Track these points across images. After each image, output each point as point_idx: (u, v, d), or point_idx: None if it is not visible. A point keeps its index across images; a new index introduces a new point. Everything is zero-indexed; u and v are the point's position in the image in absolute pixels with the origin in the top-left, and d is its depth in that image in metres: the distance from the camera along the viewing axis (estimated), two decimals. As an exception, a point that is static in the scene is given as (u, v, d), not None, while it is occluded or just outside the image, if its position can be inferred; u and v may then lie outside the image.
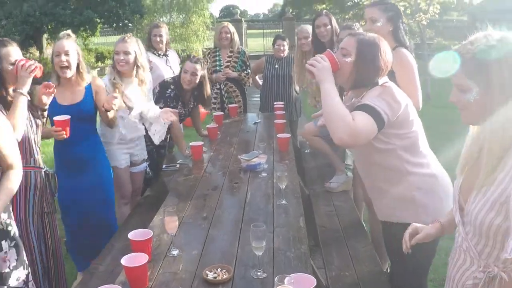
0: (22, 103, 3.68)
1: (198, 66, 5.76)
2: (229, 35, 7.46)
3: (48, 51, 23.31)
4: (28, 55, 21.84)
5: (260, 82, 7.98)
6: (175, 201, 3.93)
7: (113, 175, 5.19)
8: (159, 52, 6.80)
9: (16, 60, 3.80)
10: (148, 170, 5.71)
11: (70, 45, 4.52)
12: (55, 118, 4.23)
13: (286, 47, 7.56)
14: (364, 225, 4.83)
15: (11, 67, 3.78)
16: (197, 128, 6.55)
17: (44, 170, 3.92)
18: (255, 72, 8.01)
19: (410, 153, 3.02)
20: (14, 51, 3.87)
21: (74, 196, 4.57)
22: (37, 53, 22.47)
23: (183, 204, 3.87)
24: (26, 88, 3.74)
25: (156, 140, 5.53)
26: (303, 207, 3.83)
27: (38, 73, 3.83)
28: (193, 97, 6.01)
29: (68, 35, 4.60)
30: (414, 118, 3.04)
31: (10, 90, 3.79)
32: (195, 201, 3.95)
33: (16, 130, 3.47)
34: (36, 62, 3.88)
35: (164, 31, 6.89)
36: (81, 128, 4.52)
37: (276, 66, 7.52)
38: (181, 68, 6.06)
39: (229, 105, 7.27)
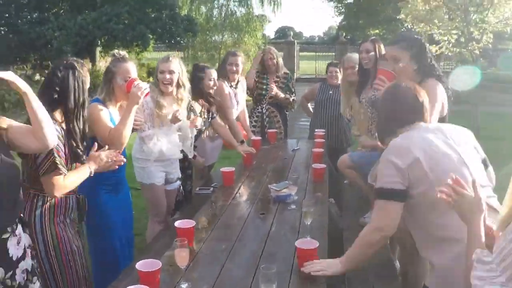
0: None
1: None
2: (275, 61, 7.30)
3: (101, 63, 23.64)
4: (81, 67, 22.16)
5: (311, 108, 7.81)
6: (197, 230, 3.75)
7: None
8: (231, 83, 6.64)
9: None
10: (181, 189, 5.59)
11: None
12: None
13: (339, 74, 7.29)
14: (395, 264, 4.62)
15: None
16: (228, 140, 6.22)
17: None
18: (307, 98, 7.90)
19: None
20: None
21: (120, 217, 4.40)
22: (89, 65, 22.78)
23: (204, 234, 3.71)
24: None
25: (191, 154, 5.55)
26: (332, 241, 3.67)
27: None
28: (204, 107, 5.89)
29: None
30: None
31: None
32: (216, 231, 3.78)
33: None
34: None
35: (240, 60, 6.69)
36: None
37: (330, 92, 7.35)
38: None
39: (268, 130, 7.08)
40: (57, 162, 3.25)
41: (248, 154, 5.87)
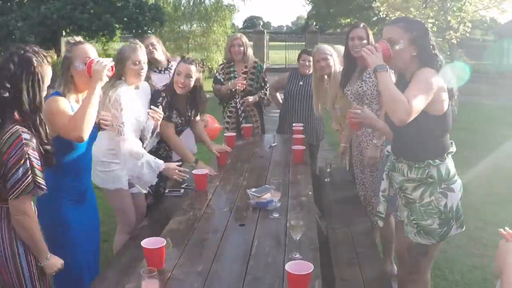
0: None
1: (193, 68, 4.99)
2: (242, 48, 6.68)
3: (66, 53, 22.95)
4: (46, 57, 21.48)
5: (281, 99, 7.30)
6: (167, 248, 3.21)
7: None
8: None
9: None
10: (150, 191, 5.08)
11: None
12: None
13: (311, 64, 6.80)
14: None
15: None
16: (204, 141, 5.67)
17: None
18: (276, 88, 7.30)
19: None
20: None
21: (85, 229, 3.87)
22: (55, 56, 22.05)
23: (175, 252, 3.17)
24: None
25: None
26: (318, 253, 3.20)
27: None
28: (189, 104, 5.26)
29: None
30: None
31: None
32: (190, 248, 3.25)
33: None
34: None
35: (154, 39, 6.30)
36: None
37: (301, 83, 6.82)
38: (174, 70, 5.25)
39: (243, 125, 6.57)
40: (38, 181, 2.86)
41: (222, 153, 5.35)
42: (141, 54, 4.59)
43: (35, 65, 2.92)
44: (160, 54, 6.21)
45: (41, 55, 3.00)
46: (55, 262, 3.15)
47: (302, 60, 6.87)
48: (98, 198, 4.64)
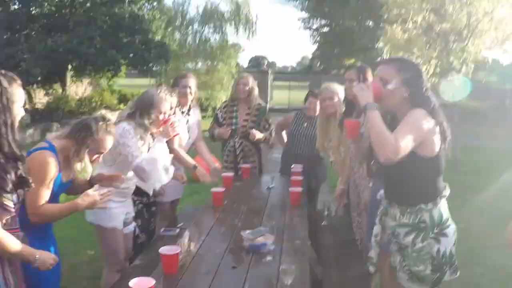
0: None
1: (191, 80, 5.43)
2: (247, 88, 6.70)
3: (71, 89, 23.02)
4: (51, 91, 21.54)
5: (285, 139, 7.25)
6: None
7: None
8: (182, 109, 6.09)
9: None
10: (137, 232, 5.04)
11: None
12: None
13: (318, 106, 6.78)
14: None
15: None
16: (205, 159, 6.12)
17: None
18: (282, 127, 7.25)
19: None
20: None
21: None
22: (60, 90, 22.16)
23: (165, 293, 3.13)
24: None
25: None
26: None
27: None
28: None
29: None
30: None
31: None
32: (180, 289, 3.22)
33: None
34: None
35: (193, 82, 6.15)
36: None
37: (305, 124, 6.78)
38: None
39: (242, 165, 6.51)
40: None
41: (219, 194, 5.31)
42: (167, 106, 4.73)
43: (1, 83, 2.85)
44: (190, 99, 6.14)
45: (8, 76, 2.96)
46: (46, 258, 3.12)
47: (308, 103, 6.83)
48: (92, 234, 4.61)
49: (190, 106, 6.14)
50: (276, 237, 4.05)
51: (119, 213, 4.59)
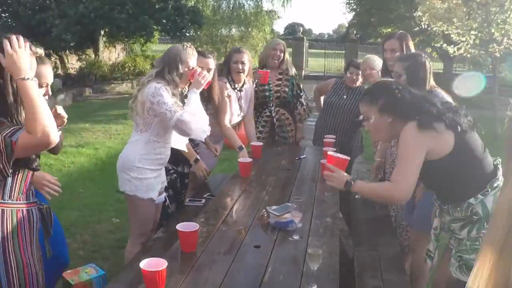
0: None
1: (211, 61, 5.08)
2: (282, 54, 6.41)
3: (104, 54, 22.89)
4: (84, 56, 21.45)
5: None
6: (172, 270, 2.89)
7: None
8: (236, 85, 5.82)
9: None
10: (168, 202, 4.80)
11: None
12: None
13: (360, 77, 6.44)
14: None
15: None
16: (249, 136, 5.97)
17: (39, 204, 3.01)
18: (321, 91, 6.94)
19: None
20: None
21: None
22: (92, 56, 22.04)
23: (179, 276, 2.85)
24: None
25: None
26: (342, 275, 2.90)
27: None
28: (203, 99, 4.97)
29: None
30: None
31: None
32: (196, 271, 2.93)
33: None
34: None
35: (247, 58, 5.82)
36: None
37: (345, 96, 6.44)
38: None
39: (252, 143, 5.92)
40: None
41: (245, 164, 5.05)
42: (194, 60, 4.49)
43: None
44: (243, 76, 5.86)
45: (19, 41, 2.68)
46: None
47: (349, 72, 6.48)
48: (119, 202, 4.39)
49: (244, 81, 5.87)
50: (304, 214, 3.76)
51: (156, 183, 4.36)
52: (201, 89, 4.33)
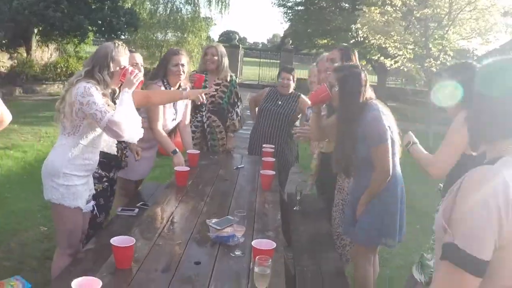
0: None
1: (137, 56, 5.15)
2: (215, 58, 6.18)
3: (37, 53, 22.27)
4: (16, 54, 20.80)
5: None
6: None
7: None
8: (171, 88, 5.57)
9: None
10: (95, 211, 4.53)
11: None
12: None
13: (292, 83, 6.40)
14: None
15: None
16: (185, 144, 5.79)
17: None
18: (256, 102, 6.85)
19: None
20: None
21: None
22: (24, 54, 21.43)
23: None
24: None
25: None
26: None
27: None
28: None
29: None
30: None
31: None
32: (130, 291, 2.71)
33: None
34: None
35: (185, 60, 5.59)
36: None
37: (279, 102, 6.38)
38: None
39: (188, 151, 5.74)
40: None
41: (182, 172, 4.83)
42: (126, 59, 4.25)
43: None
44: (182, 78, 5.62)
45: None
46: None
47: (281, 78, 6.46)
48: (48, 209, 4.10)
49: (180, 85, 5.62)
50: (246, 228, 3.57)
51: (83, 191, 4.11)
52: (133, 89, 4.11)
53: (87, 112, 3.86)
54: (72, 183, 3.99)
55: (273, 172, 5.05)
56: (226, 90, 6.26)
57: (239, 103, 6.39)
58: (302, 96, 6.40)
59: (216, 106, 6.23)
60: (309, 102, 4.98)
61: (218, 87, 6.23)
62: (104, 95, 3.98)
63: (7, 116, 2.42)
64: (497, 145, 1.86)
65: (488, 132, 1.90)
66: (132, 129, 4.02)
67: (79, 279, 2.48)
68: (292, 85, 6.45)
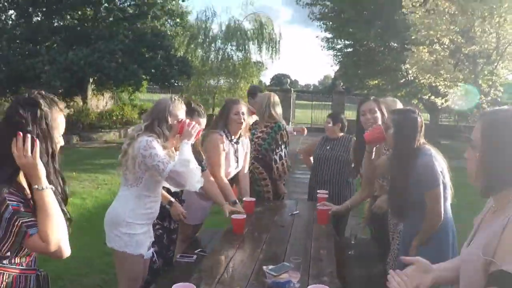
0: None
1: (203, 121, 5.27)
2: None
3: (92, 102, 22.89)
4: (72, 103, 21.43)
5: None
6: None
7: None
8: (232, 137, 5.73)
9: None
10: (155, 257, 4.69)
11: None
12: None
13: (330, 126, 6.56)
14: None
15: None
16: (213, 196, 5.42)
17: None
18: (307, 152, 7.06)
19: None
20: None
21: None
22: (80, 103, 22.03)
23: None
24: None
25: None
26: None
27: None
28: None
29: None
30: None
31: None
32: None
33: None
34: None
35: (245, 109, 5.73)
36: None
37: (328, 147, 6.51)
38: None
39: (244, 199, 5.80)
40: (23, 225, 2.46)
41: (239, 220, 4.95)
42: (183, 112, 4.48)
43: (41, 107, 2.57)
44: (243, 127, 5.77)
45: (49, 97, 2.66)
46: None
47: (326, 122, 6.64)
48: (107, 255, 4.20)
49: (240, 134, 5.79)
50: (301, 274, 3.67)
51: (145, 239, 4.28)
52: (192, 140, 4.27)
53: (150, 164, 4.04)
54: (134, 231, 4.16)
55: (328, 208, 5.31)
56: (267, 137, 6.40)
57: (282, 147, 6.43)
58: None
59: (259, 153, 6.38)
60: None
61: (262, 133, 6.41)
62: (164, 147, 4.16)
63: (66, 252, 2.59)
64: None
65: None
66: (193, 178, 4.18)
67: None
68: (338, 129, 6.57)
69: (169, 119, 4.23)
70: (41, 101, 2.59)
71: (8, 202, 2.42)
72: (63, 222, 2.57)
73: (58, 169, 2.67)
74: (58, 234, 2.50)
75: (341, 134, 6.60)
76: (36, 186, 2.51)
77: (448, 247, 4.23)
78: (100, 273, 6.63)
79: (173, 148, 4.37)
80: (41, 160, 2.52)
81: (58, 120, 2.69)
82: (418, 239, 4.24)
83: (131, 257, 4.19)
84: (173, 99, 4.36)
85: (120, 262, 4.28)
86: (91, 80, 21.48)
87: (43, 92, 2.68)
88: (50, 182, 2.57)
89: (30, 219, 2.48)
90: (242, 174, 6.01)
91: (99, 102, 24.68)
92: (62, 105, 2.73)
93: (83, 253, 7.31)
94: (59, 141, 2.70)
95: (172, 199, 4.96)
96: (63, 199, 2.70)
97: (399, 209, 4.39)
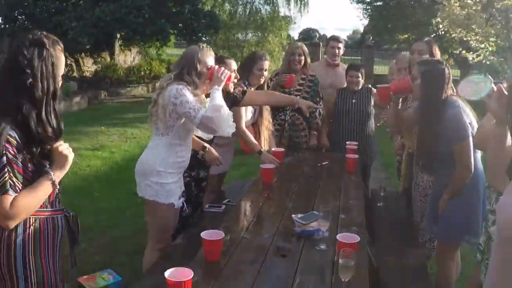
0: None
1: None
2: (302, 58, 6.29)
3: (120, 57, 22.90)
4: (99, 59, 21.47)
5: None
6: (197, 281, 2.77)
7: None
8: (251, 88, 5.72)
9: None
10: (185, 206, 4.68)
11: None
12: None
13: (361, 79, 6.44)
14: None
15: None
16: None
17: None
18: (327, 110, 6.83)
19: None
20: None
21: None
22: (108, 59, 22.06)
23: (205, 286, 2.74)
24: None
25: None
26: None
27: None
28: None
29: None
30: None
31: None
32: (222, 282, 2.85)
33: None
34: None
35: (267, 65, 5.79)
36: None
37: (353, 100, 6.39)
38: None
39: (273, 149, 5.77)
40: (8, 181, 2.38)
41: (268, 170, 4.94)
42: (212, 59, 4.40)
43: (47, 47, 2.56)
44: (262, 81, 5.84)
45: (52, 39, 2.64)
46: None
47: (349, 76, 6.49)
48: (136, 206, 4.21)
49: (257, 87, 5.80)
50: (330, 223, 3.64)
51: (176, 188, 4.26)
52: (222, 86, 4.23)
53: (181, 112, 4.00)
54: (166, 180, 4.14)
55: (356, 156, 5.42)
56: (309, 90, 6.34)
57: (321, 103, 6.43)
58: (373, 89, 6.41)
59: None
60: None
61: (302, 87, 6.33)
62: (194, 95, 4.12)
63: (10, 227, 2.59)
64: None
65: None
66: (225, 124, 4.13)
67: (172, 269, 2.60)
68: (361, 81, 6.48)
69: (198, 66, 4.18)
70: (46, 41, 2.58)
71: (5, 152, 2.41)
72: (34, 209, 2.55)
73: (56, 109, 2.64)
74: (23, 215, 2.47)
75: (360, 85, 6.53)
76: (54, 180, 2.57)
77: (479, 199, 4.18)
78: (130, 224, 6.68)
79: (203, 95, 4.32)
80: (41, 97, 2.54)
81: (60, 60, 2.67)
82: (449, 192, 4.18)
83: (161, 206, 4.18)
84: (201, 46, 4.31)
85: (151, 211, 4.29)
86: (118, 35, 21.39)
87: (45, 33, 2.65)
88: (46, 119, 2.56)
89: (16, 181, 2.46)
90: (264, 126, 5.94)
91: (127, 57, 24.65)
92: (61, 44, 2.70)
93: (112, 205, 7.40)
94: (60, 81, 2.67)
95: (206, 144, 4.93)
96: (57, 136, 2.64)
97: (428, 161, 4.33)
